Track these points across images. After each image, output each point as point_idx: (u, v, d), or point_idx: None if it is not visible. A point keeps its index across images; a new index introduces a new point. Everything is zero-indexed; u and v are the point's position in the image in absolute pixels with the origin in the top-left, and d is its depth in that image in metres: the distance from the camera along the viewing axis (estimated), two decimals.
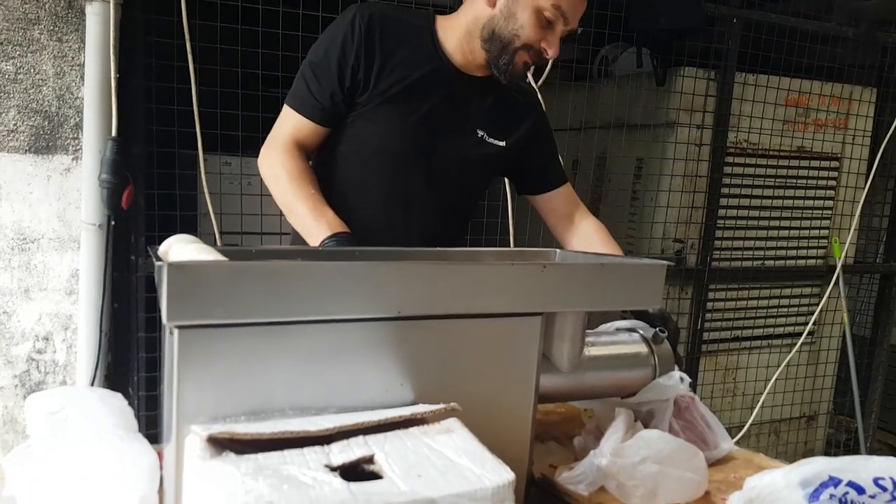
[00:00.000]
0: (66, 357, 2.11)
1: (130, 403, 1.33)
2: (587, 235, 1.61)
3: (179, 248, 0.98)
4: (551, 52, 1.40)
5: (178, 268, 0.83)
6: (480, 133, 1.52)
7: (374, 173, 1.48)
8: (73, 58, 2.01)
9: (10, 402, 2.09)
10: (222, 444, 0.78)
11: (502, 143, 1.54)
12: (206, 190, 2.12)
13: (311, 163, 1.50)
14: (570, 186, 1.67)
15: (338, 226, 1.35)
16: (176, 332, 0.86)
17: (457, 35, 1.45)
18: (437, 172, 1.50)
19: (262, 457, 0.75)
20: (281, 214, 1.48)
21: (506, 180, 2.49)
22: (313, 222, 1.35)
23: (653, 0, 2.58)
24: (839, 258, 3.10)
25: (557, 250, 1.40)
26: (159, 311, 0.96)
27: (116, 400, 1.18)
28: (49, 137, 2.02)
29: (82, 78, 2.00)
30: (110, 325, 2.08)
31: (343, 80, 1.41)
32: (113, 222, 1.99)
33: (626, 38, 2.88)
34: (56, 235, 2.05)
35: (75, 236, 2.05)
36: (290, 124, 1.45)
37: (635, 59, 2.86)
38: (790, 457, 3.16)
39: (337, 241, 1.32)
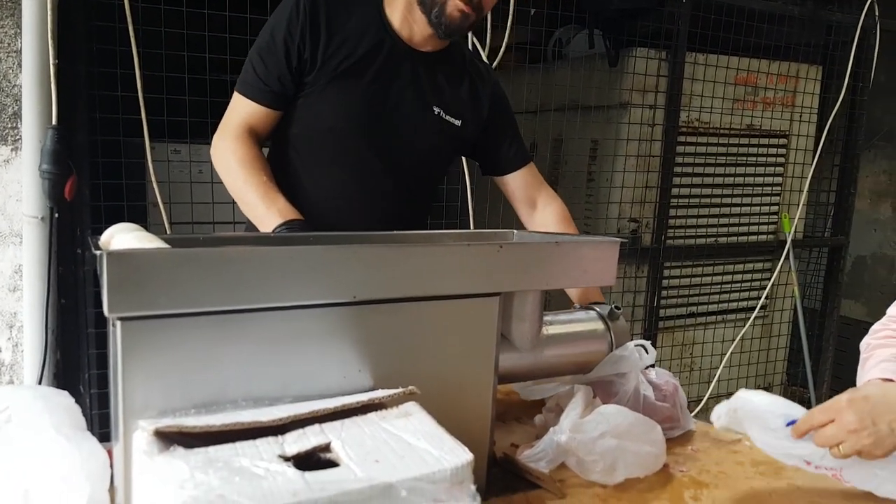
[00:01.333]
0: (12, 356, 2.04)
1: (81, 402, 1.29)
2: (546, 223, 1.61)
3: (121, 238, 0.94)
4: None
5: (118, 256, 0.80)
6: (437, 110, 1.50)
7: (328, 154, 1.46)
8: (9, 44, 1.92)
9: None
10: (171, 439, 0.75)
11: (458, 123, 1.53)
12: (154, 179, 2.06)
13: (264, 149, 1.48)
14: (533, 167, 1.66)
15: (290, 213, 1.33)
16: (118, 323, 0.83)
17: (400, 8, 1.44)
18: (393, 150, 1.48)
19: (212, 450, 0.73)
20: (234, 203, 1.45)
21: (464, 162, 2.48)
22: (264, 210, 1.33)
23: None
24: (789, 233, 3.18)
25: (515, 231, 1.40)
26: (103, 296, 0.93)
27: (62, 398, 1.13)
28: None
29: (20, 65, 1.91)
30: (58, 322, 2.01)
31: (290, 60, 1.40)
32: (56, 215, 1.92)
33: (578, 20, 2.88)
34: None
35: (17, 230, 1.97)
36: (240, 110, 1.43)
37: (588, 40, 2.87)
38: None
39: (289, 229, 1.30)
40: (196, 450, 0.72)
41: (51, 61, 1.84)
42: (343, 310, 0.98)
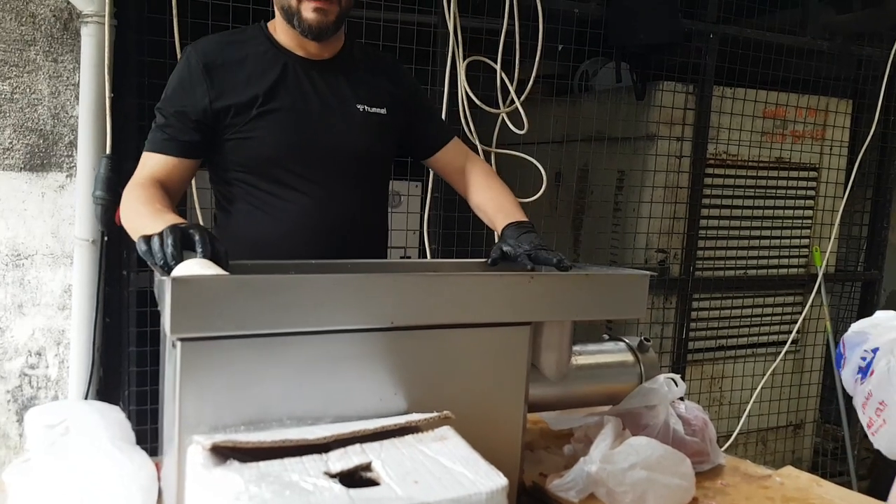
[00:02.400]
0: (58, 372, 2.12)
1: None
2: (479, 185, 1.62)
3: (185, 264, 1.00)
4: None
5: (181, 282, 0.87)
6: (361, 107, 1.51)
7: (272, 184, 1.47)
8: (67, 78, 2.03)
9: (2, 418, 2.09)
10: (224, 454, 0.81)
11: (383, 111, 1.54)
12: (197, 205, 2.15)
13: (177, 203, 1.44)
14: (456, 141, 1.68)
15: (177, 220, 1.18)
16: (179, 344, 0.89)
17: (281, 29, 1.47)
18: (335, 161, 1.50)
19: (263, 465, 0.78)
20: None
21: None
22: (151, 223, 1.20)
23: (631, 16, 2.64)
24: (820, 267, 3.16)
25: None
26: (161, 325, 0.99)
27: (115, 413, 1.20)
28: (44, 155, 2.04)
29: (77, 97, 2.02)
30: (102, 340, 2.09)
31: (195, 113, 1.41)
32: (106, 238, 2.01)
33: (605, 53, 2.94)
34: (49, 251, 2.07)
35: (68, 252, 2.07)
36: (147, 165, 1.42)
37: (614, 73, 2.92)
38: (777, 465, 3.19)
39: (174, 228, 1.09)
40: (249, 464, 0.77)
41: (107, 94, 1.95)
42: (381, 335, 1.03)
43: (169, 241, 1.02)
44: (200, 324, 0.88)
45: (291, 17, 1.40)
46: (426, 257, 2.57)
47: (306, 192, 1.48)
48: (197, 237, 1.04)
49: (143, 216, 1.27)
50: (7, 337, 2.07)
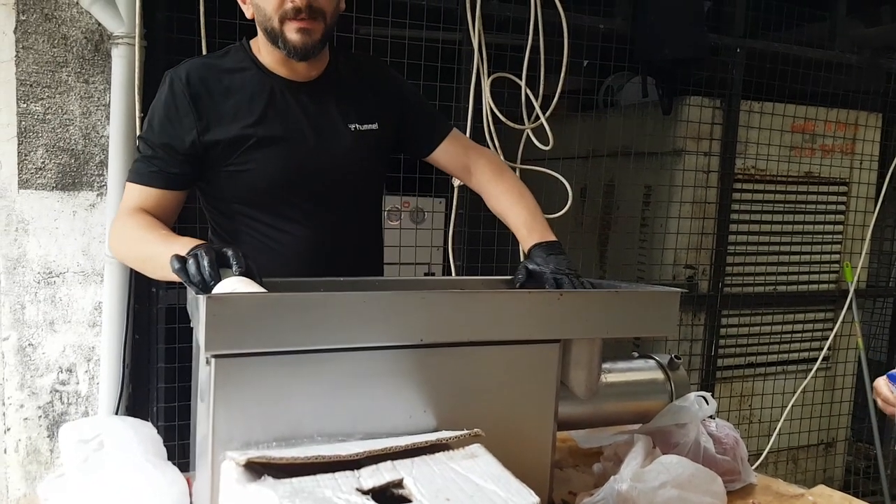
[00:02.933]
0: (88, 388, 2.15)
1: None
2: (494, 192, 1.57)
3: (226, 283, 1.01)
4: (296, 0, 1.31)
5: (216, 300, 0.87)
6: (353, 126, 1.47)
7: (269, 210, 1.45)
8: (98, 98, 2.08)
9: (33, 433, 2.12)
10: (257, 470, 0.81)
11: (375, 126, 1.50)
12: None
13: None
14: (455, 134, 1.62)
15: (194, 242, 1.17)
16: (213, 361, 0.89)
17: (265, 51, 1.42)
18: (329, 183, 1.47)
19: (296, 481, 0.78)
20: None
21: None
22: (164, 248, 1.18)
23: (657, 31, 2.63)
24: (851, 282, 3.11)
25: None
26: (194, 341, 1.00)
27: (146, 429, 1.21)
28: (75, 174, 2.08)
29: (107, 117, 2.06)
30: (131, 357, 2.12)
31: (182, 146, 1.38)
32: None
33: (630, 68, 2.94)
34: (80, 269, 2.10)
35: (99, 270, 2.10)
36: (134, 197, 1.38)
37: (641, 88, 2.91)
38: (809, 484, 3.13)
39: (198, 251, 1.10)
40: (283, 480, 0.78)
41: (137, 114, 1.98)
42: (410, 352, 1.03)
43: (205, 261, 1.03)
44: (235, 341, 0.89)
45: (276, 38, 1.34)
46: (451, 274, 2.57)
47: (303, 220, 1.46)
48: (231, 255, 1.05)
49: (151, 242, 1.25)
50: (39, 353, 2.10)
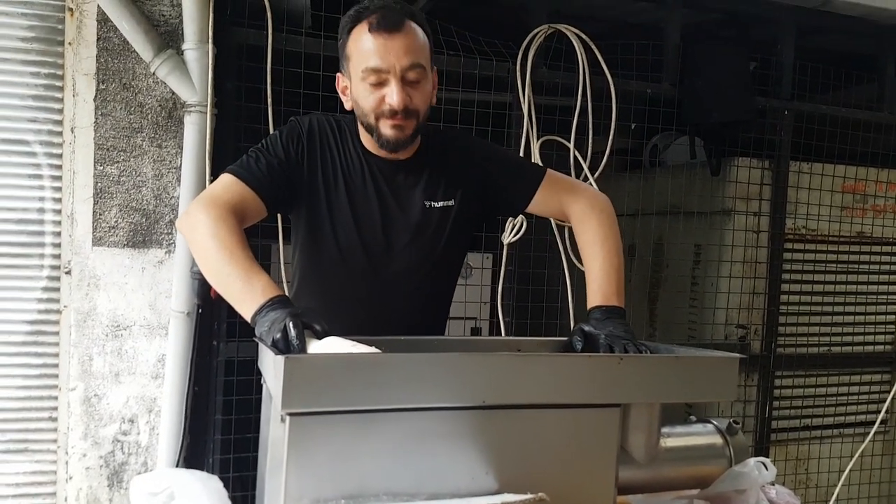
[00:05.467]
0: (148, 439, 2.21)
1: None
2: (582, 241, 1.56)
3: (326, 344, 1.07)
4: (393, 102, 1.39)
5: (294, 361, 0.92)
6: (428, 203, 1.53)
7: (341, 284, 1.52)
8: (170, 161, 2.20)
9: (94, 483, 2.19)
10: None
11: (451, 203, 1.55)
12: (284, 279, 2.25)
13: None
14: (549, 180, 1.61)
15: (272, 290, 1.21)
16: (288, 418, 0.94)
17: (363, 136, 1.52)
18: (403, 260, 1.53)
19: None
20: None
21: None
22: (243, 282, 1.23)
23: (704, 95, 2.68)
24: None
25: None
26: (265, 398, 1.05)
27: (214, 482, 1.26)
28: (145, 233, 2.19)
29: (178, 179, 2.18)
30: (190, 408, 2.18)
31: (284, 167, 1.46)
32: (200, 311, 2.13)
33: (678, 129, 2.98)
34: (146, 322, 2.19)
35: (164, 323, 2.19)
36: (230, 188, 1.40)
37: (689, 150, 2.95)
38: None
39: (272, 306, 1.18)
40: None
41: (207, 177, 2.09)
42: (473, 413, 1.06)
43: (294, 332, 1.07)
44: (309, 399, 0.94)
45: (371, 131, 1.45)
46: (500, 329, 2.60)
47: (369, 296, 1.53)
48: (318, 328, 1.11)
49: (232, 264, 1.26)
50: (103, 404, 2.18)
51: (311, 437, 0.96)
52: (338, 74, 1.52)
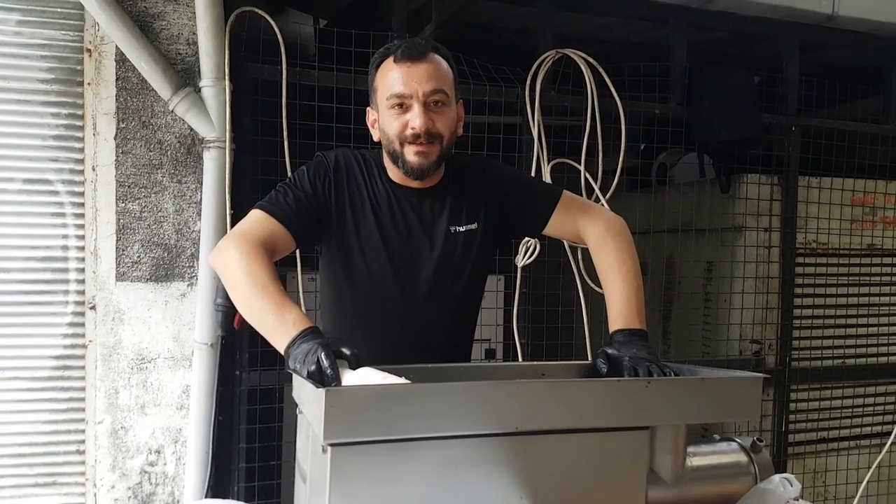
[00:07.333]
0: (174, 469, 2.24)
1: None
2: (599, 265, 1.59)
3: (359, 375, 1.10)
4: (416, 125, 1.43)
5: (334, 393, 0.96)
6: (452, 229, 1.56)
7: (369, 311, 1.56)
8: (190, 196, 2.25)
9: None
10: None
11: (474, 226, 1.58)
12: (302, 307, 2.28)
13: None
14: (565, 202, 1.63)
15: (303, 322, 1.25)
16: (329, 449, 0.97)
17: (388, 166, 1.55)
18: (429, 289, 1.56)
19: None
20: None
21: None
22: (275, 315, 1.27)
23: (711, 114, 2.72)
24: None
25: None
26: (301, 430, 1.07)
27: None
28: (168, 267, 2.24)
29: (198, 213, 2.23)
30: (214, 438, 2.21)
31: (312, 201, 1.49)
32: (223, 342, 2.16)
33: (687, 149, 3.02)
34: (170, 355, 2.23)
35: (188, 355, 2.22)
36: (260, 225, 1.44)
37: (697, 167, 2.99)
38: None
39: (304, 338, 1.21)
40: None
41: (227, 211, 2.14)
42: (507, 440, 1.09)
43: (326, 363, 1.10)
44: (350, 430, 0.96)
45: (396, 159, 1.49)
46: (514, 351, 2.62)
47: (397, 321, 1.56)
48: (348, 353, 1.14)
49: (265, 299, 1.28)
50: (130, 436, 2.21)
51: (351, 466, 0.99)
52: (368, 109, 1.57)
